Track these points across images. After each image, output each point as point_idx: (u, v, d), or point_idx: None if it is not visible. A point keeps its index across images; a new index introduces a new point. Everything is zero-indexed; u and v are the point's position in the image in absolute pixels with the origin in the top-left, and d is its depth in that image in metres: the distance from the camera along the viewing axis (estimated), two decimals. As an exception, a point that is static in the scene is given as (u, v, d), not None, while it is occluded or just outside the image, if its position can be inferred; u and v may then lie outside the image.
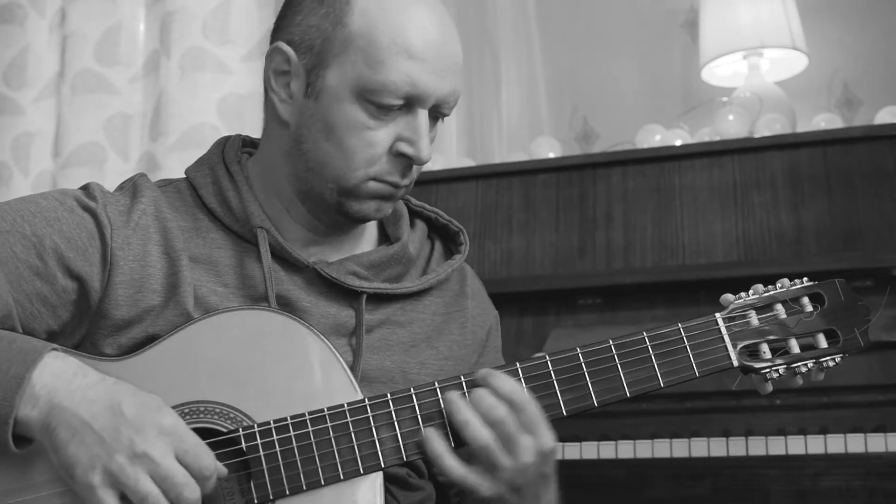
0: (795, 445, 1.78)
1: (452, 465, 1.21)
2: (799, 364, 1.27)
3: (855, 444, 1.76)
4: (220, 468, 1.16)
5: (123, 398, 1.13)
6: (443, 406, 1.22)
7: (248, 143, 1.46)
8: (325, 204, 1.34)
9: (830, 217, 2.03)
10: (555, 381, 1.24)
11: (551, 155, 2.59)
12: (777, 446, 1.79)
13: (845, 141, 2.09)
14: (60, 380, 1.13)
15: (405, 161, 1.31)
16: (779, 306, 1.29)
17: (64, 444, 1.11)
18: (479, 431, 1.19)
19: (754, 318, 1.28)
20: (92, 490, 1.09)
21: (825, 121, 2.48)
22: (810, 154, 2.10)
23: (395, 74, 1.26)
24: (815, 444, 1.77)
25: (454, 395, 1.22)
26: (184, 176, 1.42)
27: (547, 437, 1.22)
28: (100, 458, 1.10)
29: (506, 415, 1.19)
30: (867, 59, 2.90)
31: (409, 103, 1.29)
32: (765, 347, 1.27)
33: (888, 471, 1.72)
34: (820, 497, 1.74)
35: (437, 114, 1.32)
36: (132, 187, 1.37)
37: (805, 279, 1.31)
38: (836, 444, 1.76)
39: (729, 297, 1.30)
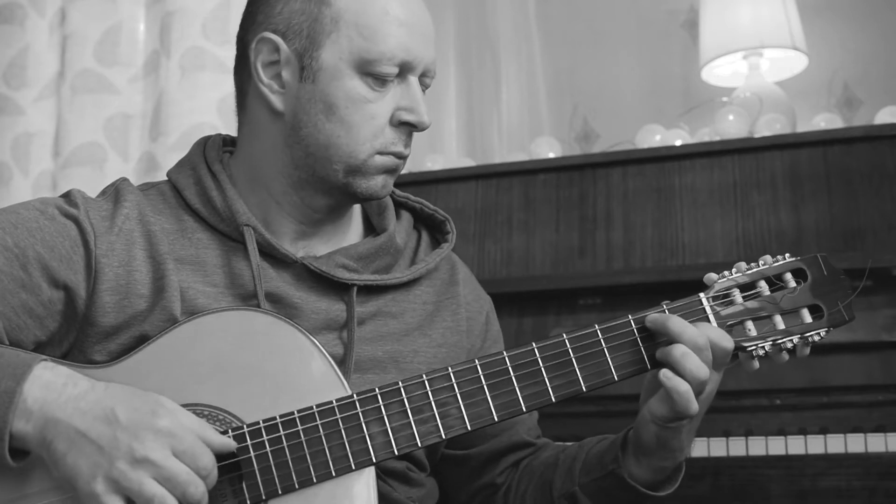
0: (795, 445, 1.78)
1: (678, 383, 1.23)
2: (785, 340, 1.27)
3: (855, 444, 1.76)
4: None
5: (116, 404, 1.13)
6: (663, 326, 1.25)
7: (228, 142, 1.46)
8: (328, 187, 1.34)
9: (830, 217, 2.03)
10: (542, 369, 1.25)
11: (551, 155, 2.59)
12: (777, 446, 1.79)
13: (845, 141, 2.09)
14: (51, 391, 1.13)
15: (406, 129, 1.34)
16: (762, 283, 1.29)
17: (62, 457, 1.11)
18: (700, 363, 1.23)
19: (738, 297, 1.28)
20: (97, 498, 1.10)
21: (825, 121, 2.48)
22: (810, 154, 2.10)
23: (391, 41, 1.30)
24: (815, 444, 1.77)
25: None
26: (166, 178, 1.42)
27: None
28: (100, 467, 1.10)
29: (707, 343, 1.24)
30: (867, 59, 2.90)
31: (402, 72, 1.32)
32: (750, 325, 1.27)
33: (888, 471, 1.72)
34: (820, 497, 1.74)
35: (422, 84, 1.36)
36: (114, 192, 1.36)
37: (787, 255, 1.31)
38: (836, 444, 1.76)
39: (713, 276, 1.30)
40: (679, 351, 1.22)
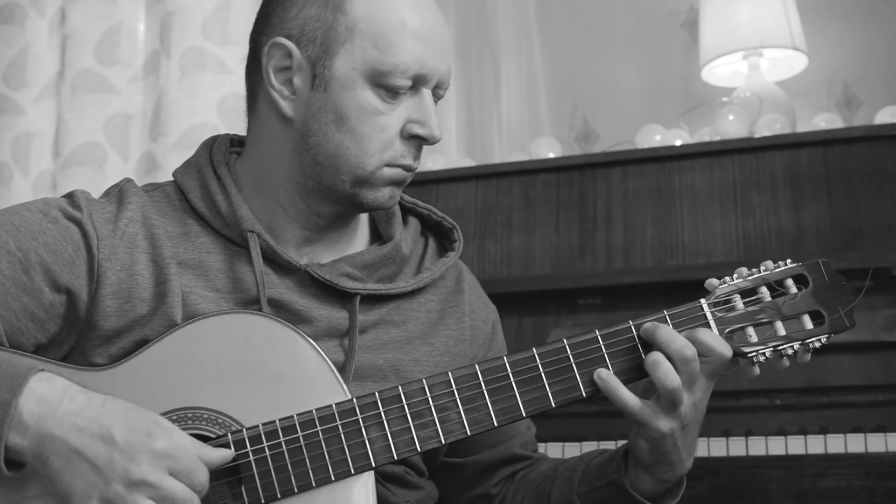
0: (795, 445, 1.78)
1: (627, 397, 1.23)
2: (786, 346, 1.27)
3: (855, 444, 1.75)
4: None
5: (113, 423, 1.12)
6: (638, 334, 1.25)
7: (235, 143, 1.44)
8: (334, 196, 1.33)
9: (830, 217, 2.03)
10: (542, 374, 1.25)
11: (551, 155, 2.59)
12: (777, 446, 1.78)
13: (845, 141, 2.09)
14: (47, 406, 1.12)
15: (416, 143, 1.33)
16: (764, 289, 1.28)
17: (58, 473, 1.11)
18: (673, 373, 1.21)
19: (739, 303, 1.28)
20: None
21: (825, 121, 2.48)
22: (810, 154, 2.10)
23: (405, 55, 1.28)
24: (815, 444, 1.77)
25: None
26: (171, 179, 1.41)
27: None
28: (96, 487, 1.10)
29: (694, 355, 1.22)
30: (867, 59, 2.90)
31: (415, 84, 1.31)
32: (751, 331, 1.27)
33: (888, 471, 1.72)
34: (820, 497, 1.74)
35: (434, 95, 1.34)
36: (118, 193, 1.35)
37: (789, 261, 1.31)
38: (836, 444, 1.76)
39: (714, 281, 1.30)
40: (651, 359, 1.22)
